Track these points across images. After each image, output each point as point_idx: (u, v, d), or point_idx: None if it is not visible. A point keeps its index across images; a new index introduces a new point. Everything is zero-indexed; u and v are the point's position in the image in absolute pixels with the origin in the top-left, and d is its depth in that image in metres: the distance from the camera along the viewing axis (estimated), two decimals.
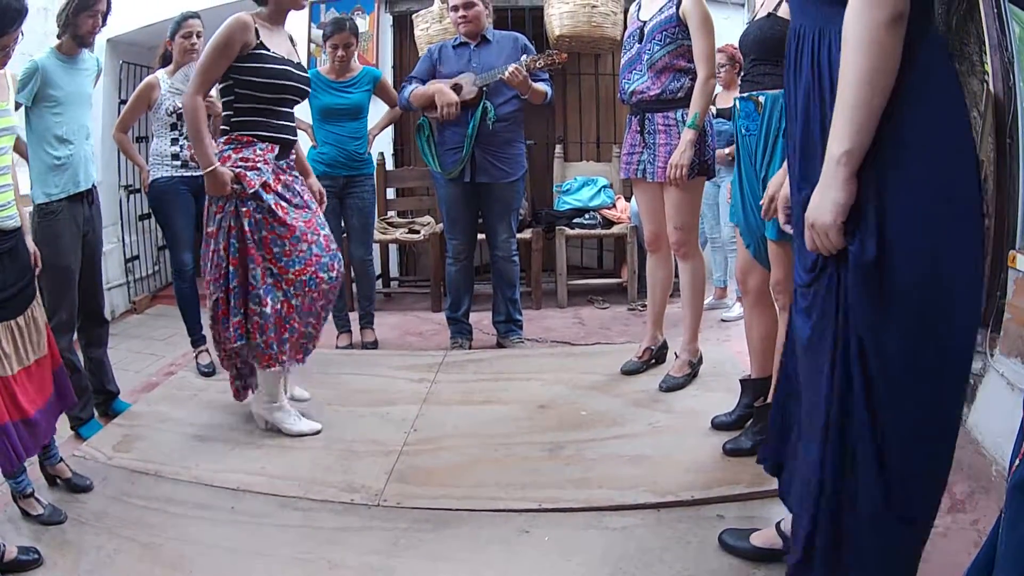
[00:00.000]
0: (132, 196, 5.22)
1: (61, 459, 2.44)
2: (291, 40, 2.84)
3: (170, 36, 3.42)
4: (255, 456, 2.67)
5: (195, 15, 3.41)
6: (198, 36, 3.38)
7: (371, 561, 2.06)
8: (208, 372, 3.50)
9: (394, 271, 5.51)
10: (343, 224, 3.94)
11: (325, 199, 3.06)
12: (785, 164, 1.78)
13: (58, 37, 2.78)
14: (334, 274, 2.82)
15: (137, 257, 5.26)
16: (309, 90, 2.85)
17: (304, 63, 2.92)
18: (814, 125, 1.48)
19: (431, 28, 4.73)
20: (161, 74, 3.46)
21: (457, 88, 3.47)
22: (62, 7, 2.73)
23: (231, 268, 2.64)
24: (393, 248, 5.38)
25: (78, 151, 2.82)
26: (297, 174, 2.85)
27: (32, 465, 2.35)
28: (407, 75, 3.70)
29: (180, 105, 3.33)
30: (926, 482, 1.48)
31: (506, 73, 3.32)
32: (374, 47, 5.12)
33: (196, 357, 3.59)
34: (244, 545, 2.16)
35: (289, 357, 2.76)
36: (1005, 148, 2.62)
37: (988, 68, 2.75)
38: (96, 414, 3.07)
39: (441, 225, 4.27)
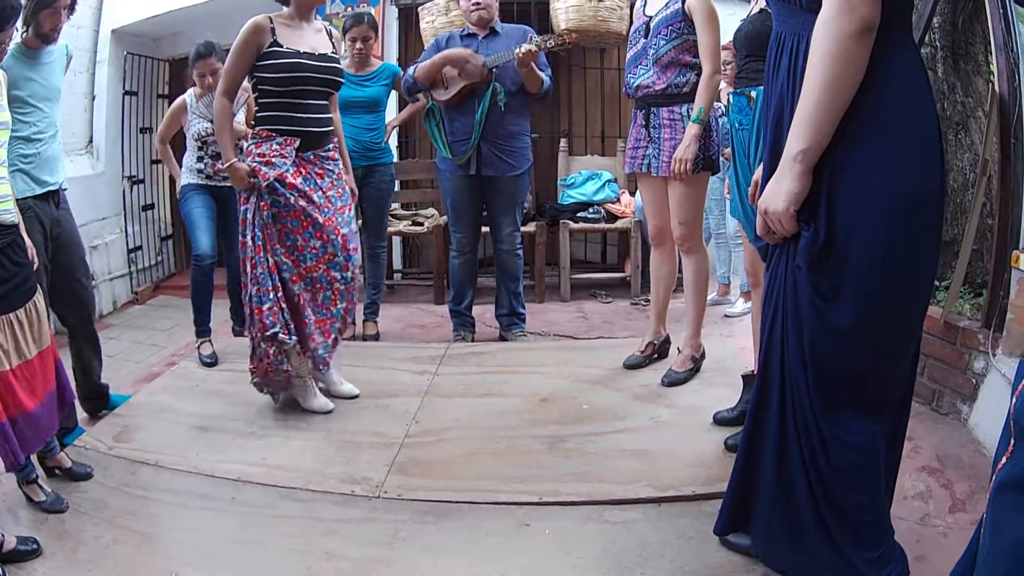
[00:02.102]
0: (135, 187, 5.22)
1: (61, 450, 2.44)
2: (328, 33, 2.89)
3: (190, 68, 3.57)
4: (256, 447, 2.68)
5: (209, 52, 3.48)
6: (212, 74, 3.47)
7: (371, 553, 2.07)
8: (210, 362, 3.50)
9: (397, 263, 5.52)
10: (359, 214, 3.95)
11: (356, 194, 3.11)
12: None
13: (23, 32, 2.66)
14: (348, 274, 2.87)
15: (140, 248, 5.26)
16: (339, 80, 2.88)
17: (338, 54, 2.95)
18: (785, 124, 1.54)
19: (437, 20, 4.72)
20: (189, 96, 3.61)
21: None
22: (26, 3, 2.65)
23: (257, 256, 2.73)
24: (396, 240, 5.38)
25: (46, 150, 2.73)
26: (331, 166, 2.90)
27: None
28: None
29: (202, 131, 3.53)
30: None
31: (521, 51, 3.29)
32: (380, 40, 5.10)
33: (198, 347, 3.59)
34: (244, 536, 2.16)
35: (317, 347, 2.85)
36: (1010, 148, 2.61)
37: (994, 68, 2.74)
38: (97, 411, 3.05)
39: (445, 218, 4.27)
